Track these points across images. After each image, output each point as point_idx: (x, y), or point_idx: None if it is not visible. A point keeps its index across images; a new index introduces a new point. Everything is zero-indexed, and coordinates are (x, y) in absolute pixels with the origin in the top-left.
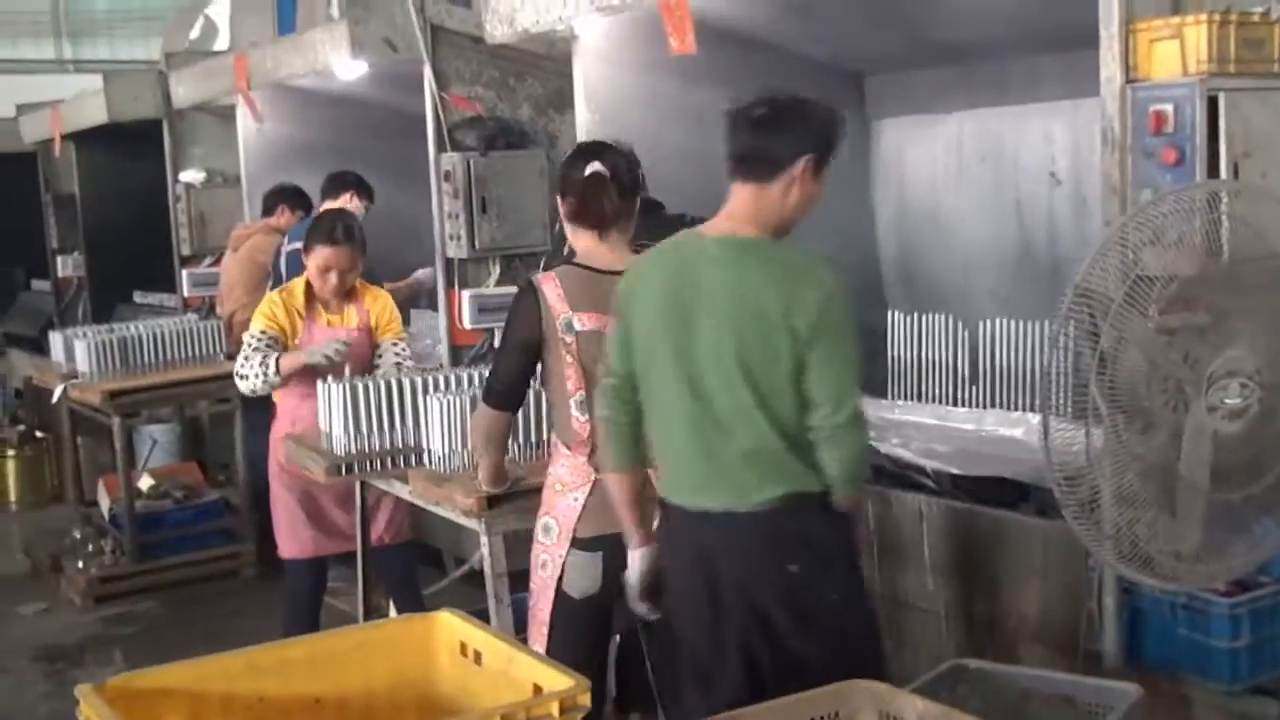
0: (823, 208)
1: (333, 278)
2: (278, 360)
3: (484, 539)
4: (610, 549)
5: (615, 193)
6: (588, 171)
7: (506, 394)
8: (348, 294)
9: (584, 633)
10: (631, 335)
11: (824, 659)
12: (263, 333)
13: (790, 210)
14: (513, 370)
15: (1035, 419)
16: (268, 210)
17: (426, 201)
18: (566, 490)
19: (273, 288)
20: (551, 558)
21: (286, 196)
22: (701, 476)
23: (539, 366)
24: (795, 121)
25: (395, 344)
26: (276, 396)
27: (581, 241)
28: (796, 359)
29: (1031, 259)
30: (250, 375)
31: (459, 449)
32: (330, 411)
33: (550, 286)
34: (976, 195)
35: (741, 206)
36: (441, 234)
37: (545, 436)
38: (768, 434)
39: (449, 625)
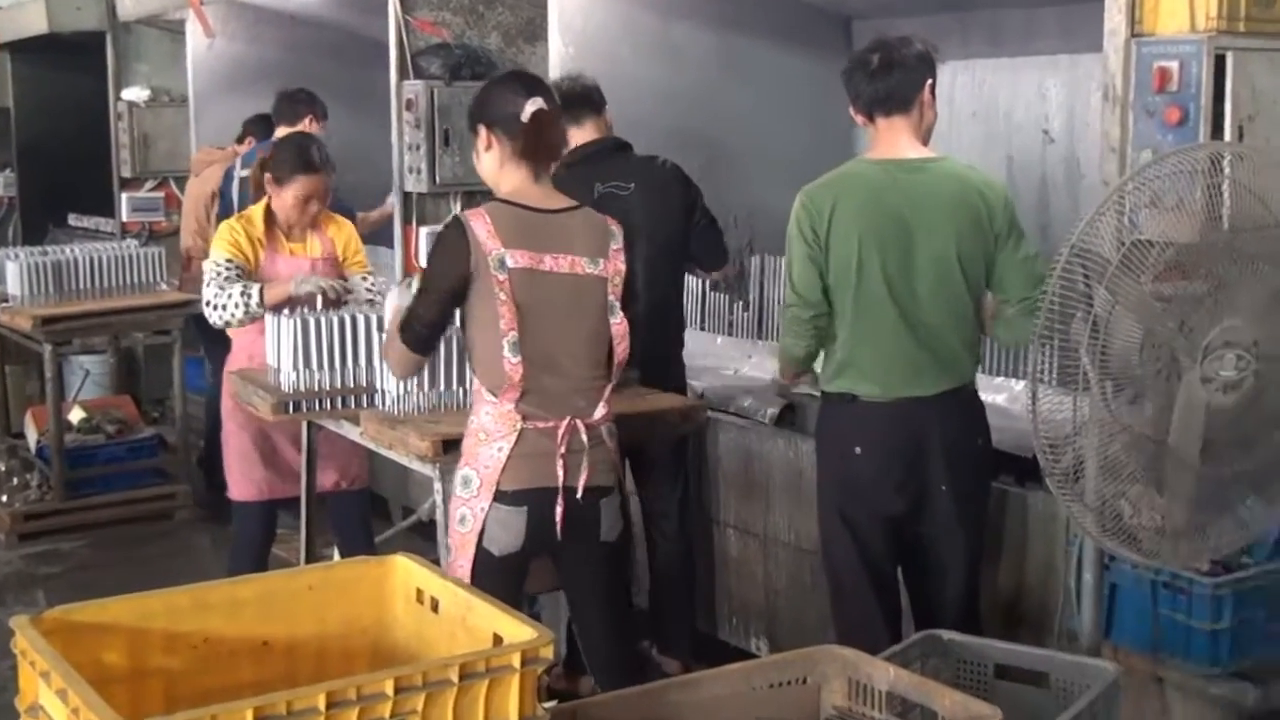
0: (808, 158)
1: (313, 207)
2: (261, 290)
3: (437, 485)
4: (536, 503)
5: (563, 130)
6: (532, 109)
7: (428, 339)
8: (310, 222)
9: (503, 592)
10: (829, 259)
11: (979, 519)
12: (229, 261)
13: (927, 129)
14: (436, 315)
15: (1019, 385)
16: (240, 137)
17: (385, 132)
18: (490, 439)
19: (221, 217)
20: (471, 511)
21: (258, 126)
22: (913, 370)
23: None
24: (911, 57)
25: (366, 278)
26: (231, 330)
27: (512, 179)
28: (989, 259)
29: (1021, 219)
30: (229, 306)
31: (414, 390)
32: (279, 346)
33: (480, 223)
34: (966, 150)
35: (899, 135)
36: (400, 166)
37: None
38: (973, 324)
39: (405, 570)
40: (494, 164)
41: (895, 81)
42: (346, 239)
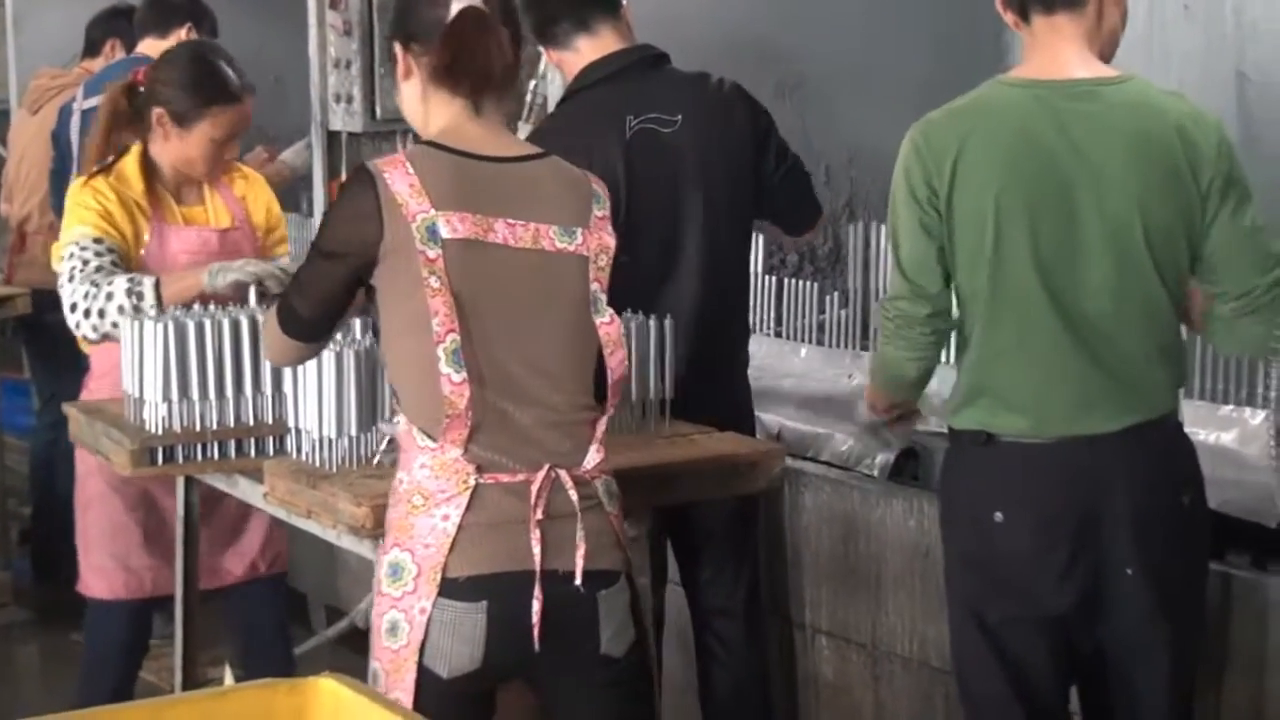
0: (934, 82)
1: (231, 150)
2: (157, 286)
3: (380, 574)
4: (501, 596)
5: (507, 41)
6: (458, 7)
7: (314, 324)
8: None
9: None
10: (953, 230)
11: (1189, 618)
12: (98, 240)
13: (1108, 36)
14: (325, 290)
15: (1255, 416)
16: (93, 48)
17: (298, 44)
18: (430, 504)
19: (57, 174)
20: (406, 615)
21: (121, 27)
22: (1080, 396)
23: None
24: None
25: (283, 258)
26: (88, 346)
27: (442, 113)
28: (1194, 231)
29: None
30: (108, 310)
31: (346, 428)
32: (139, 365)
33: (398, 174)
34: (1175, 68)
35: (1064, 43)
36: (322, 94)
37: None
38: (1173, 324)
39: (334, 698)
40: (414, 96)
41: None
42: (266, 199)
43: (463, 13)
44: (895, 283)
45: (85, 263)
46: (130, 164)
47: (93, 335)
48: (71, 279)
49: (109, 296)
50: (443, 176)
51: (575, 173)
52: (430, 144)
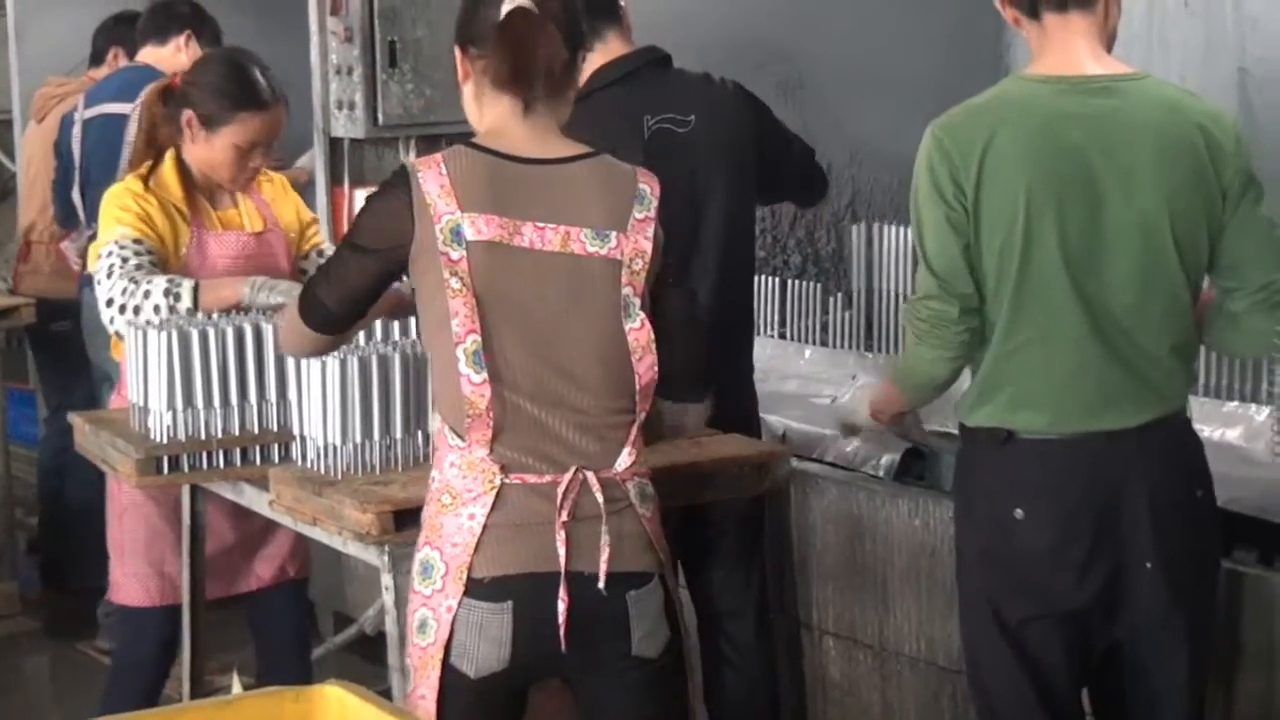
0: (938, 80)
1: (256, 159)
2: (195, 290)
3: (387, 579)
4: (527, 597)
5: (560, 41)
6: (508, 8)
7: (336, 317)
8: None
9: None
10: (979, 226)
11: (1205, 613)
12: (138, 241)
13: (1110, 33)
14: (352, 283)
15: (1261, 413)
16: (97, 56)
17: (300, 49)
18: (458, 504)
19: (60, 184)
20: (434, 613)
21: (124, 35)
22: (1100, 392)
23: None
24: None
25: (322, 254)
26: (121, 351)
27: (492, 113)
28: (1213, 222)
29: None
30: (144, 309)
31: (351, 435)
32: (145, 373)
33: (432, 174)
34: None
35: (1077, 40)
36: (324, 100)
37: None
38: (1191, 320)
39: (339, 705)
40: (470, 98)
41: None
42: (294, 202)
43: (511, 13)
44: (925, 282)
45: (124, 260)
46: (168, 169)
47: (126, 332)
48: (110, 274)
49: (146, 295)
50: (475, 177)
51: (622, 170)
52: (470, 144)
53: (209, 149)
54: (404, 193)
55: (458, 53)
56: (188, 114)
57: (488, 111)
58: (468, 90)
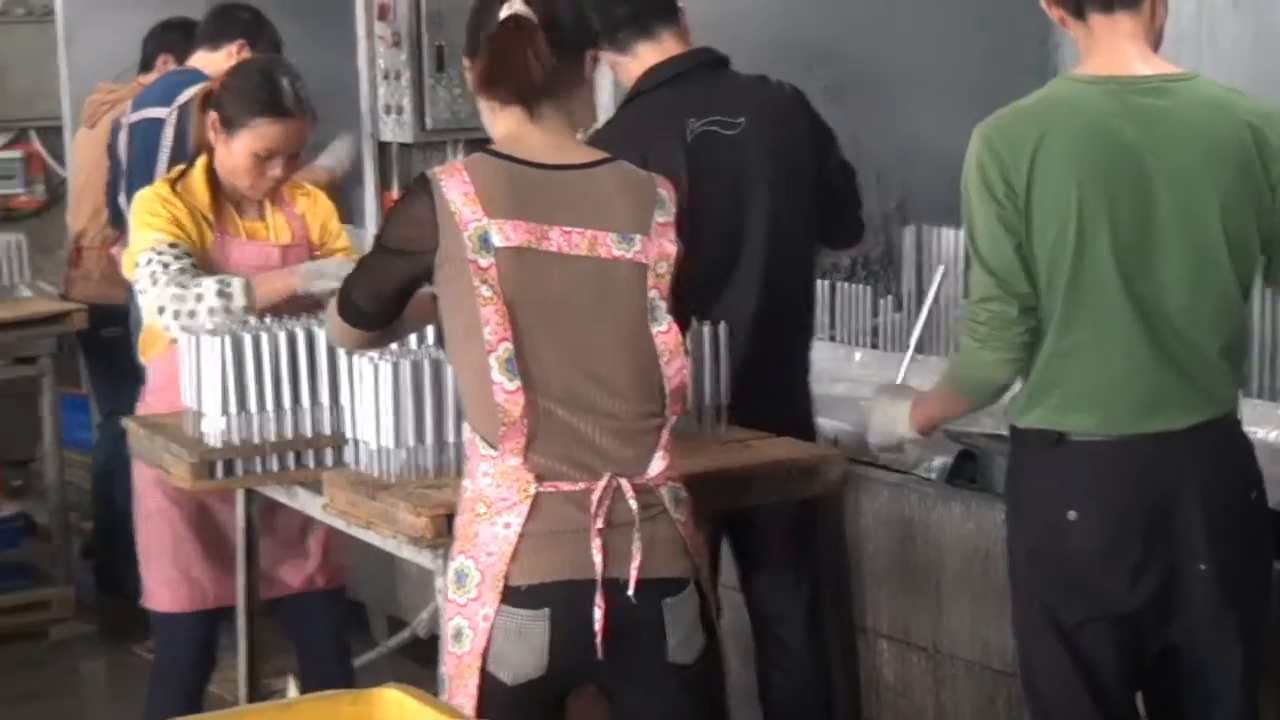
0: (986, 82)
1: (276, 168)
2: (248, 285)
3: (439, 582)
4: (564, 605)
5: (546, 46)
6: (503, 14)
7: (370, 315)
8: (273, 192)
9: None
10: (1032, 226)
11: (1259, 616)
12: (173, 245)
13: (1158, 33)
14: (381, 283)
15: None
16: (147, 62)
17: (348, 54)
18: (492, 512)
19: (111, 188)
20: (470, 622)
21: (172, 41)
22: (1151, 394)
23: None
24: None
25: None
26: (149, 355)
27: (503, 122)
28: (1262, 221)
29: None
30: (199, 311)
31: (404, 439)
32: (199, 378)
33: (455, 182)
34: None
35: (1125, 41)
36: (372, 105)
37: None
38: (1241, 321)
39: (398, 708)
40: (484, 108)
41: None
42: (324, 216)
43: (504, 21)
44: (982, 284)
45: (166, 266)
46: (198, 174)
47: (181, 338)
48: (155, 283)
49: (199, 298)
50: (498, 184)
51: (640, 177)
52: (489, 151)
53: (228, 153)
54: (427, 200)
55: (465, 61)
56: (212, 116)
57: (499, 120)
58: (480, 99)
